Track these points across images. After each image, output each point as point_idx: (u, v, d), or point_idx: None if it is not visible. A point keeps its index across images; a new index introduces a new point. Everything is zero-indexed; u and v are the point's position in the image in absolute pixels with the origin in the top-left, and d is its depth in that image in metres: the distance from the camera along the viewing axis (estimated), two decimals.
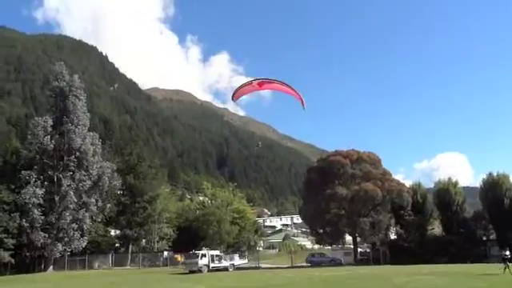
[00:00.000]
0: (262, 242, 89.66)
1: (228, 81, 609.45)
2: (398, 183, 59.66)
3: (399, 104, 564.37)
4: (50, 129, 47.25)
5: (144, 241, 57.44)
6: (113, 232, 57.71)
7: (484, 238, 57.18)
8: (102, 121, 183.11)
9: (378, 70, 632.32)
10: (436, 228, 62.61)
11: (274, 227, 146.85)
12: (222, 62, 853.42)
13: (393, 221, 57.75)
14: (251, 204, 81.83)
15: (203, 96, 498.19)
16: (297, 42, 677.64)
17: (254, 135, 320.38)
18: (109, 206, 50.74)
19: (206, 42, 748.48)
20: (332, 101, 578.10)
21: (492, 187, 57.92)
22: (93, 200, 48.06)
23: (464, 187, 73.55)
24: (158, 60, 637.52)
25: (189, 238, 58.18)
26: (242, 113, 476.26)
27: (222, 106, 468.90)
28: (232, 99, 21.84)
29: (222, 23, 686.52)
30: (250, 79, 20.89)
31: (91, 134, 49.97)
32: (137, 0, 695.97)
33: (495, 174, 59.53)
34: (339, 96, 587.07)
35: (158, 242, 58.14)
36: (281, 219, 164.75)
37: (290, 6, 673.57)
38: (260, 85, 19.74)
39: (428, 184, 71.35)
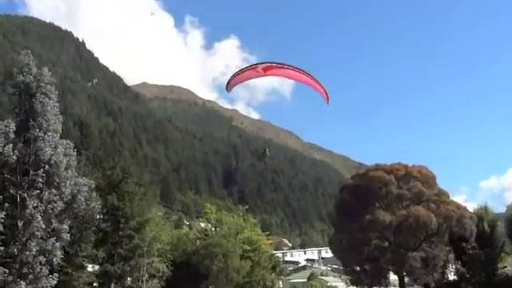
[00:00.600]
0: (281, 282, 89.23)
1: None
2: (459, 207, 58.99)
3: (458, 106, 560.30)
4: (12, 135, 48.05)
5: (130, 279, 57.60)
6: (90, 267, 58.06)
7: None
8: (78, 125, 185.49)
9: (430, 60, 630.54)
10: (509, 266, 61.66)
11: (297, 263, 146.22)
12: (229, 49, 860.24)
13: (451, 256, 57.12)
14: (267, 233, 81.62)
15: (206, 94, 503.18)
16: (328, 25, 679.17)
17: (271, 144, 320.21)
18: (85, 233, 51.16)
19: (209, 24, 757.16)
20: (371, 102, 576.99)
21: None
22: (65, 226, 48.48)
23: None
24: (149, 48, 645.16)
25: (187, 276, 58.27)
26: (255, 115, 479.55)
27: (229, 106, 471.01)
28: (226, 88, 21.66)
29: (229, 1, 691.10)
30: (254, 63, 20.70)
31: (64, 141, 50.64)
32: None
33: None
34: (380, 96, 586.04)
35: (147, 280, 58.27)
36: (305, 253, 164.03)
37: None
38: (266, 70, 19.45)
39: (498, 208, 70.43)
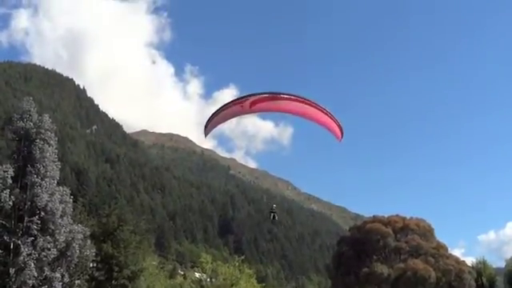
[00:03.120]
0: None
1: (237, 122, 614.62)
2: (457, 261, 58.47)
3: (457, 159, 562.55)
4: (9, 181, 47.84)
5: None
6: None
7: None
8: (75, 171, 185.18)
9: (428, 115, 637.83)
10: None
11: None
12: (228, 98, 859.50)
13: None
14: (263, 285, 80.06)
15: (204, 142, 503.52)
16: (326, 72, 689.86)
17: (268, 194, 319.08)
18: (78, 282, 50.11)
19: (209, 73, 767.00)
20: (369, 153, 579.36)
21: None
22: (58, 275, 47.64)
23: None
24: (149, 96, 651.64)
25: None
26: (253, 164, 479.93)
27: (227, 155, 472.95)
28: (204, 129, 18.65)
29: (229, 52, 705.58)
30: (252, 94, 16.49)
31: (61, 188, 50.44)
32: (124, 21, 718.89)
33: None
34: (378, 147, 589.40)
35: None
36: None
37: (314, 29, 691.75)
38: (254, 104, 16.19)
39: (497, 262, 69.64)
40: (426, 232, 60.22)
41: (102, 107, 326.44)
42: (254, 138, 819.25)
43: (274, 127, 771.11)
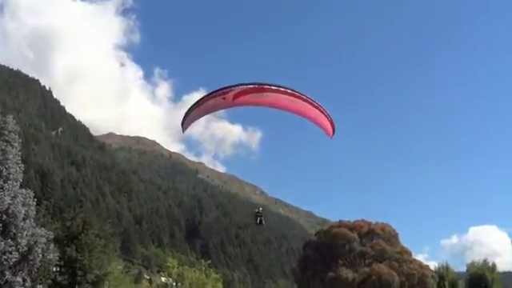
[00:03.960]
0: None
1: (206, 126, 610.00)
2: (421, 265, 59.46)
3: (422, 165, 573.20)
4: None
5: None
6: None
7: None
8: (40, 174, 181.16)
9: (396, 122, 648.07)
10: None
11: None
12: None
13: None
14: None
15: (172, 146, 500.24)
16: (298, 75, 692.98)
17: (235, 198, 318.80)
18: (40, 287, 48.93)
19: (178, 77, 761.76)
20: (337, 159, 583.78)
21: None
22: (19, 279, 46.44)
23: (504, 272, 73.29)
24: (117, 99, 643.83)
25: None
26: (221, 169, 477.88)
27: (196, 159, 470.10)
28: (182, 124, 17.35)
29: (199, 55, 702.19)
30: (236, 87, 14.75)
31: (24, 191, 49.21)
32: (92, 22, 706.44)
33: None
34: (345, 154, 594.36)
35: None
36: None
37: (288, 30, 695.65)
38: (238, 96, 14.80)
39: (459, 267, 71.08)
40: (391, 237, 61.02)
41: (69, 109, 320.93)
42: (222, 142, 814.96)
43: (242, 131, 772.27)
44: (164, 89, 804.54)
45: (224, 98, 14.64)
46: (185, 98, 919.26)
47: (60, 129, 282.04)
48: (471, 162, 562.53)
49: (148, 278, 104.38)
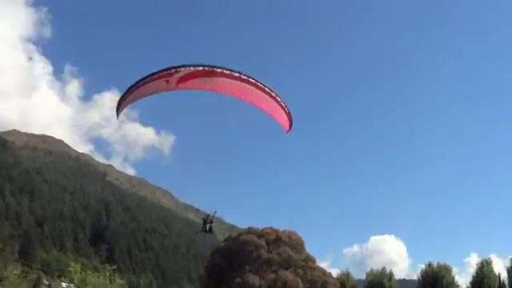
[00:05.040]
0: None
1: (116, 128, 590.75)
2: (324, 273, 61.22)
3: (327, 174, 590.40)
4: None
5: None
6: None
7: None
8: None
9: (302, 131, 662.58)
10: None
11: None
12: (109, 102, 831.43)
13: None
14: None
15: (80, 146, 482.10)
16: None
17: (144, 202, 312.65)
18: None
19: (89, 75, 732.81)
20: (247, 166, 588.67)
21: (432, 281, 61.71)
22: None
23: (400, 280, 77.24)
24: (23, 94, 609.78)
25: None
26: (131, 172, 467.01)
27: (105, 161, 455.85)
28: (117, 107, 15.42)
29: (113, 53, 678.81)
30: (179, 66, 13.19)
31: None
32: None
33: (435, 265, 63.75)
34: (255, 161, 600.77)
35: None
36: None
37: (208, 30, 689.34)
38: (184, 80, 13.26)
39: (359, 274, 74.01)
40: (297, 244, 62.34)
41: None
42: (133, 145, 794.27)
43: (155, 135, 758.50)
44: (74, 86, 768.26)
45: (167, 82, 13.29)
46: (95, 97, 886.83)
47: None
48: (373, 173, 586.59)
49: (47, 283, 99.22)
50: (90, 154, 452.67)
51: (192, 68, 12.68)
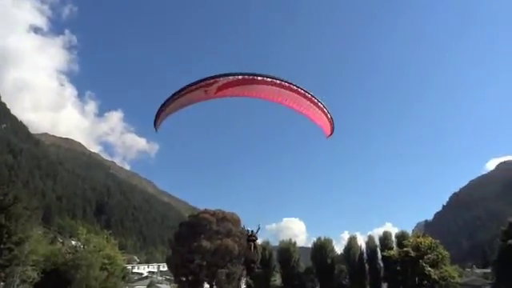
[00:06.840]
0: (127, 287, 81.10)
1: (119, 136, 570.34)
2: None
3: (258, 165, 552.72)
4: None
5: (3, 284, 47.50)
6: None
7: None
8: None
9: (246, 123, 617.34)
10: (277, 280, 64.77)
11: (141, 274, 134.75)
12: (115, 118, 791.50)
13: (244, 272, 58.29)
14: (122, 251, 74.59)
15: (92, 147, 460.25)
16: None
17: (135, 188, 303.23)
18: None
19: (102, 98, 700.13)
20: (207, 161, 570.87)
21: (319, 249, 63.39)
22: None
23: (300, 247, 78.59)
24: (54, 110, 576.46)
25: (54, 282, 49.95)
26: (128, 167, 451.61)
27: (109, 158, 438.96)
28: (156, 119, 11.14)
29: (120, 85, 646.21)
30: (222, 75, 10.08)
31: None
32: (43, 49, 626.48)
33: (322, 239, 65.56)
34: (213, 156, 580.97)
35: (18, 285, 48.53)
36: (148, 266, 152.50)
37: (207, 53, 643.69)
38: (223, 88, 9.84)
39: (274, 243, 74.95)
40: (236, 222, 62.10)
41: (13, 111, 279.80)
42: (130, 148, 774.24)
43: (146, 143, 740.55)
44: (92, 106, 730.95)
45: (206, 92, 10.10)
46: (106, 114, 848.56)
47: (4, 125, 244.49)
48: (289, 164, 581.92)
49: (61, 241, 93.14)
50: (99, 153, 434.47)
51: (231, 77, 9.77)
